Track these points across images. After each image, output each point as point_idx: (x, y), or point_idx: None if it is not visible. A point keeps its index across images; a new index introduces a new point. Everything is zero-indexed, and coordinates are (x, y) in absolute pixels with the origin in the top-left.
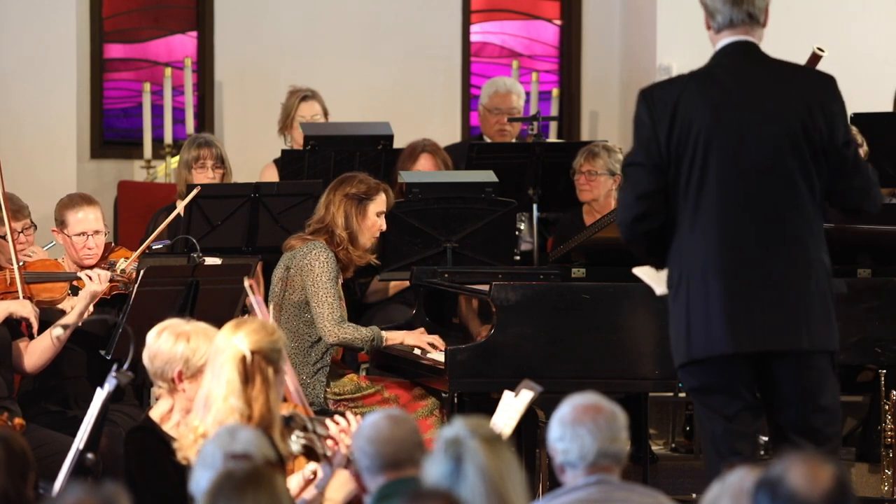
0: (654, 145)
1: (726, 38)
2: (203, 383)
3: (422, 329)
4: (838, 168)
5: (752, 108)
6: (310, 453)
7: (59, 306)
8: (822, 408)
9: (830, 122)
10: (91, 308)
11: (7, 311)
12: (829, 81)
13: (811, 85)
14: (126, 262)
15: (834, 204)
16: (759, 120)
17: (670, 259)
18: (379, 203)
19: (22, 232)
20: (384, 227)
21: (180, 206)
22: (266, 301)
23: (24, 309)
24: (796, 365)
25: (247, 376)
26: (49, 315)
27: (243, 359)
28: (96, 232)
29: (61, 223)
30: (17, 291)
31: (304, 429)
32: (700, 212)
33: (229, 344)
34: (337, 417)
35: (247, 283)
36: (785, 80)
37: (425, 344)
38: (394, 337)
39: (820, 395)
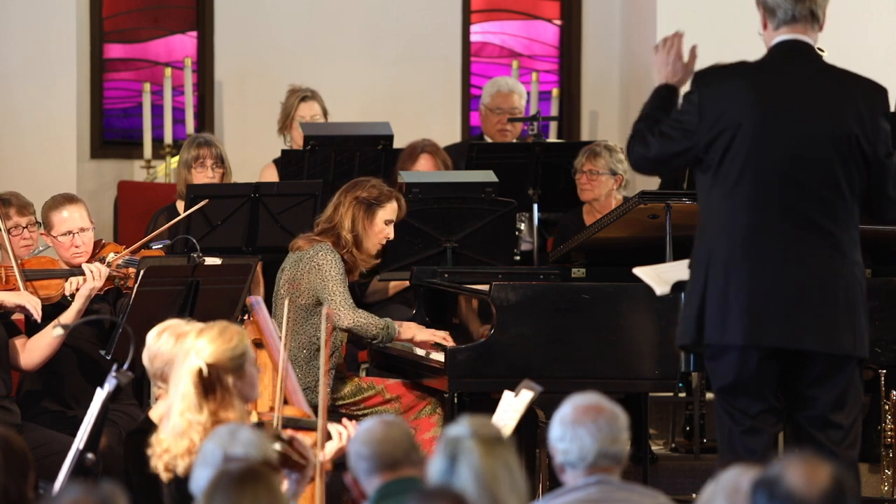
0: (694, 126)
1: (783, 35)
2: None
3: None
4: (877, 179)
5: (800, 107)
6: (286, 462)
7: (66, 294)
8: (841, 408)
9: (876, 133)
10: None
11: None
12: (880, 92)
13: (862, 93)
14: (117, 256)
15: (868, 213)
16: (805, 120)
17: (696, 240)
18: (389, 211)
19: (26, 227)
20: (391, 236)
21: (183, 210)
22: (269, 301)
23: (19, 298)
24: (820, 366)
25: (204, 389)
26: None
27: (199, 372)
28: (82, 229)
29: (47, 225)
30: (14, 289)
31: (278, 438)
32: (732, 201)
33: (188, 356)
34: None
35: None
36: (836, 85)
37: (439, 338)
38: (406, 332)
39: (843, 397)
